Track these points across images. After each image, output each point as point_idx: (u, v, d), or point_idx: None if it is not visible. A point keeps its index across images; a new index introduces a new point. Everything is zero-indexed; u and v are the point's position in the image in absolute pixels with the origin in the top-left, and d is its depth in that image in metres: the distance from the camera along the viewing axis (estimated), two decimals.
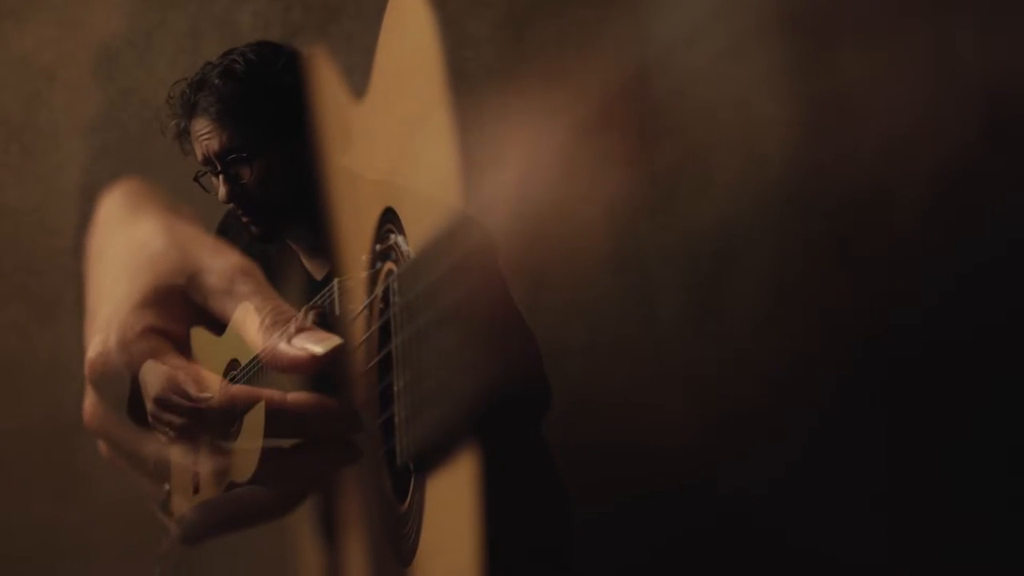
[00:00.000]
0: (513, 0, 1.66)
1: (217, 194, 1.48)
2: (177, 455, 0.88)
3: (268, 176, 1.47)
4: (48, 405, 1.95)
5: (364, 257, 0.87)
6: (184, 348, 0.88)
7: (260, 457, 0.82)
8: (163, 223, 0.90)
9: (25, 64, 2.05)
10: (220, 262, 0.87)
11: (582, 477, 1.34)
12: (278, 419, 0.80)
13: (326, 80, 0.94)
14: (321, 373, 0.79)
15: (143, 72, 1.99)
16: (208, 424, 0.83)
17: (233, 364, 0.90)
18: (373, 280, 0.86)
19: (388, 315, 0.80)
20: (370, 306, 0.85)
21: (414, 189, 0.79)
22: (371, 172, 0.87)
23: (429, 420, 0.74)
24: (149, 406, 0.85)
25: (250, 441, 0.82)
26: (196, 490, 0.93)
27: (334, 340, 0.79)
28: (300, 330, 0.79)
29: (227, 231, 1.51)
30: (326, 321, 0.81)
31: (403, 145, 0.79)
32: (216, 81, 1.47)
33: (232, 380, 0.87)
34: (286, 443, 0.81)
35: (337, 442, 0.82)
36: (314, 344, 0.79)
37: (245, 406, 0.81)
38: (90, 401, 0.91)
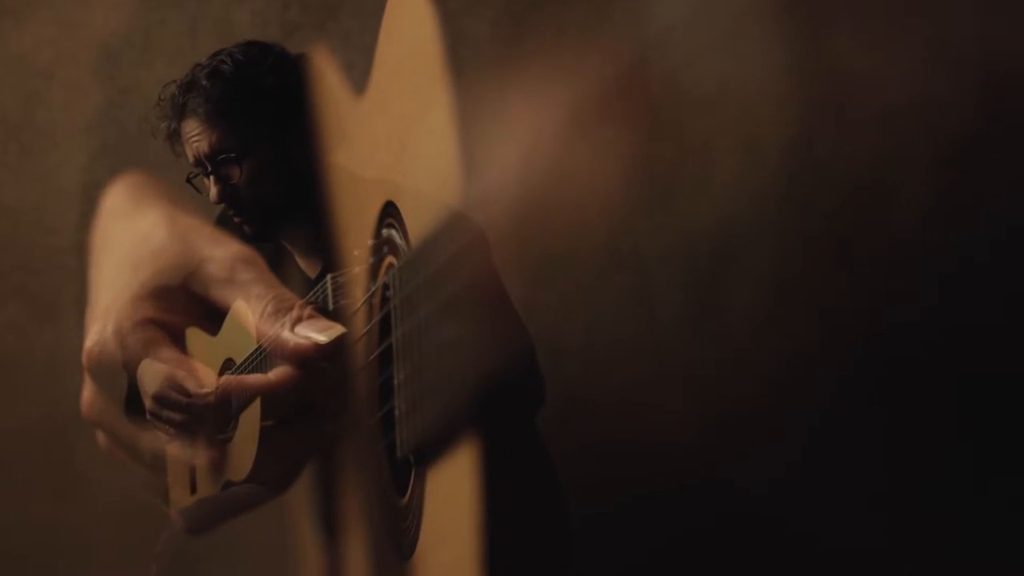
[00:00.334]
0: None
1: (209, 195, 1.48)
2: (175, 450, 0.87)
3: (259, 176, 1.46)
4: (47, 404, 1.95)
5: (357, 252, 0.87)
6: (181, 341, 0.87)
7: (255, 456, 0.82)
8: (165, 215, 0.90)
9: (24, 63, 2.04)
10: (221, 251, 0.86)
11: (582, 477, 1.34)
12: (271, 400, 0.80)
13: (325, 77, 0.94)
14: (324, 361, 0.79)
15: (142, 71, 1.99)
16: (206, 419, 0.83)
17: (228, 363, 0.89)
18: (374, 274, 0.85)
19: (388, 308, 0.80)
20: (370, 300, 0.85)
21: (414, 184, 0.79)
22: (371, 168, 0.87)
23: (429, 413, 0.74)
24: (148, 404, 0.85)
25: (247, 431, 0.82)
26: (193, 490, 0.93)
27: (338, 329, 0.79)
28: (303, 318, 0.79)
29: (226, 224, 1.50)
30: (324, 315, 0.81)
31: (403, 141, 0.79)
32: (204, 82, 1.47)
33: (236, 370, 0.87)
34: (269, 423, 0.81)
35: (326, 408, 0.82)
36: (318, 332, 0.79)
37: (239, 397, 0.81)
38: (88, 391, 0.91)
